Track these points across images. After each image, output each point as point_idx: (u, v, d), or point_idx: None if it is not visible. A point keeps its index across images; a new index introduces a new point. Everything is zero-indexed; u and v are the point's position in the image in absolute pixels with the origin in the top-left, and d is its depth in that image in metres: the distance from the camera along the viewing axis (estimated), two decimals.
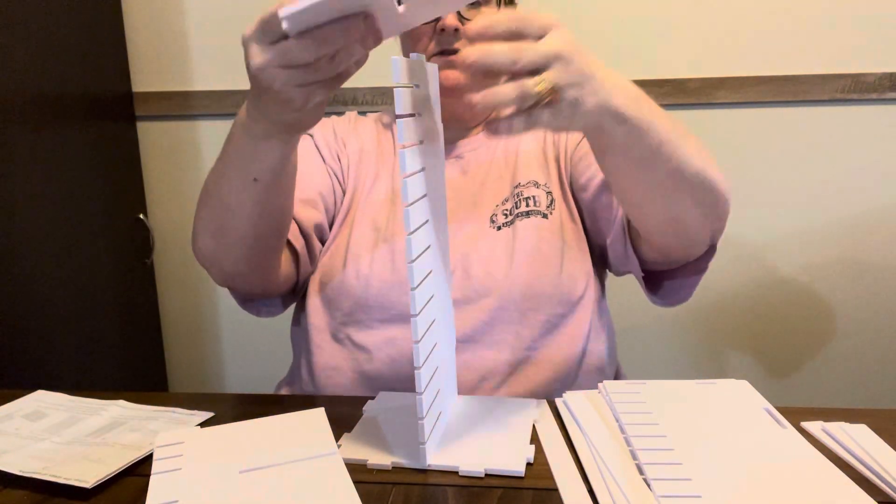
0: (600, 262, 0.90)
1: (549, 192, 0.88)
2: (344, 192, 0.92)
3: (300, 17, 0.51)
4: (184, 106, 1.61)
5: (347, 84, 1.67)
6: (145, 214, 1.63)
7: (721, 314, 1.58)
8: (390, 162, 0.93)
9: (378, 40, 0.55)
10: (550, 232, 0.85)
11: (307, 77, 0.56)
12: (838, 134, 1.49)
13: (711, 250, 0.78)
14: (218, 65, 1.59)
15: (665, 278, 0.83)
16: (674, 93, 1.47)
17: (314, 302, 0.87)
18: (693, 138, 0.65)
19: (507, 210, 0.87)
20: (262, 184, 0.68)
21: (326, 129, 0.95)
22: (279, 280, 0.84)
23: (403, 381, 0.80)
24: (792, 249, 1.55)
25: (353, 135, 0.95)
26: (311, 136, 0.94)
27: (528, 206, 0.87)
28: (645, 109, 0.58)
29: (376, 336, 0.82)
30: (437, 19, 0.83)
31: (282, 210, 0.75)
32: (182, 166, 1.66)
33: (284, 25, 0.52)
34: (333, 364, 0.85)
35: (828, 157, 1.50)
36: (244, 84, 1.74)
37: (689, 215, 0.68)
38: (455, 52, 0.84)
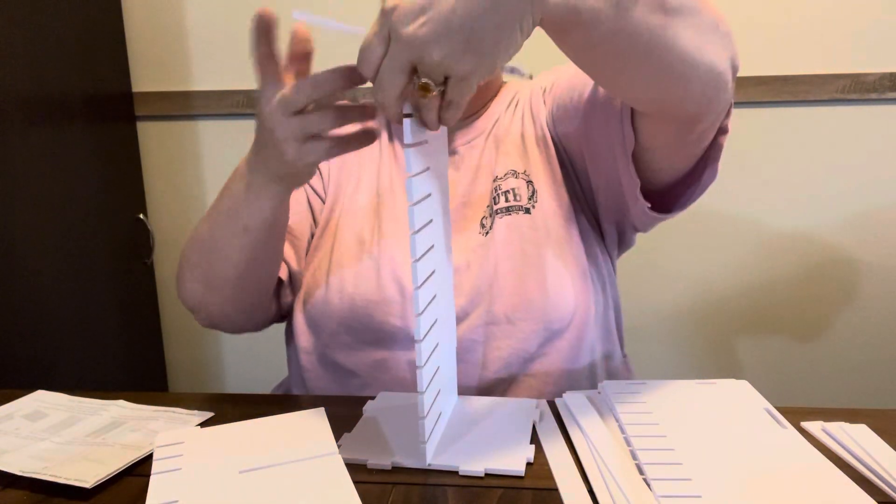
0: (612, 239, 0.86)
1: (529, 182, 0.82)
2: (323, 202, 0.89)
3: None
4: (184, 106, 1.61)
5: None
6: (145, 214, 1.63)
7: (721, 314, 1.58)
8: (375, 163, 0.89)
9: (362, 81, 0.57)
10: (533, 229, 0.80)
11: (306, 127, 0.59)
12: (838, 134, 1.49)
13: (728, 110, 0.68)
14: (218, 65, 1.59)
15: (678, 195, 0.76)
16: None
17: (299, 321, 0.84)
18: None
19: (490, 210, 0.82)
20: (252, 233, 0.70)
21: None
22: (266, 318, 0.85)
23: None
24: (792, 249, 1.55)
25: None
26: None
27: (507, 200, 0.81)
28: None
29: (364, 359, 0.80)
30: None
31: (271, 258, 0.76)
32: (182, 166, 1.66)
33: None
34: (323, 387, 0.83)
35: (828, 157, 1.50)
36: (244, 84, 1.75)
37: (697, 46, 0.57)
38: None
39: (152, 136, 1.65)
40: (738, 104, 1.49)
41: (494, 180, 0.83)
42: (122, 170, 1.57)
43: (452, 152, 0.87)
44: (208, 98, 1.60)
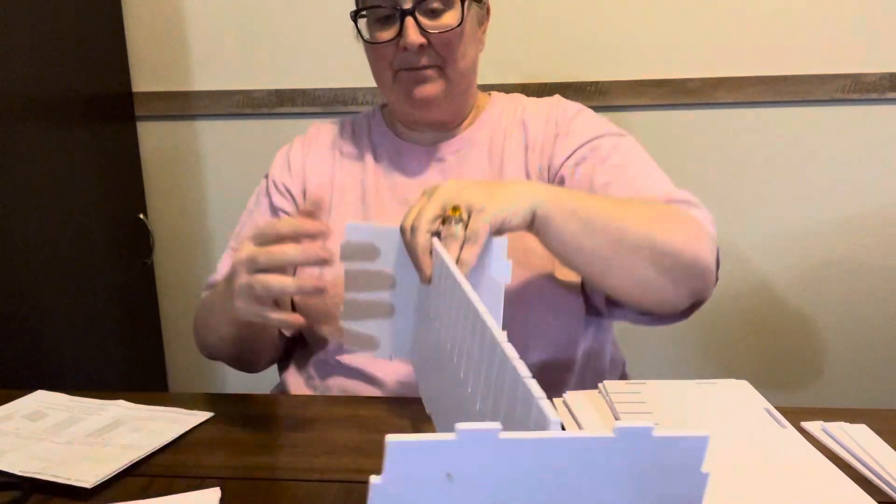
0: None
1: None
2: None
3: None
4: (184, 106, 1.61)
5: (347, 84, 1.65)
6: (145, 214, 1.63)
7: (721, 314, 1.58)
8: (359, 177, 0.91)
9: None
10: (536, 242, 0.81)
11: (257, 290, 0.63)
12: (838, 134, 1.49)
13: (697, 304, 0.78)
14: (218, 65, 1.59)
15: None
16: (674, 93, 1.47)
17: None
18: (646, 212, 0.71)
19: None
20: (227, 340, 0.79)
21: (281, 166, 0.95)
22: (275, 357, 0.93)
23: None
24: (792, 249, 1.55)
25: (308, 160, 0.93)
26: (267, 177, 0.95)
27: None
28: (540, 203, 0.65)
29: (360, 359, 0.82)
30: (399, 37, 0.80)
31: (259, 342, 0.84)
32: (182, 166, 1.66)
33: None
34: (324, 389, 0.85)
35: (828, 157, 1.50)
36: (244, 84, 1.75)
37: (652, 282, 0.70)
38: (420, 67, 0.82)
39: (152, 136, 1.65)
40: (738, 104, 1.49)
41: None
42: (122, 170, 1.57)
43: (440, 160, 0.90)
44: (208, 98, 1.60)
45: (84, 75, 1.43)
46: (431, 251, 0.62)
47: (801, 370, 1.60)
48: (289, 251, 0.62)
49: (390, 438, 0.34)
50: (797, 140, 1.50)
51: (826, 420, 0.64)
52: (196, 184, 1.66)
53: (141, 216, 1.62)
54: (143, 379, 1.65)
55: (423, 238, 0.61)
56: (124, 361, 1.55)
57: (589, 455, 0.37)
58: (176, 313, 1.73)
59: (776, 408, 0.65)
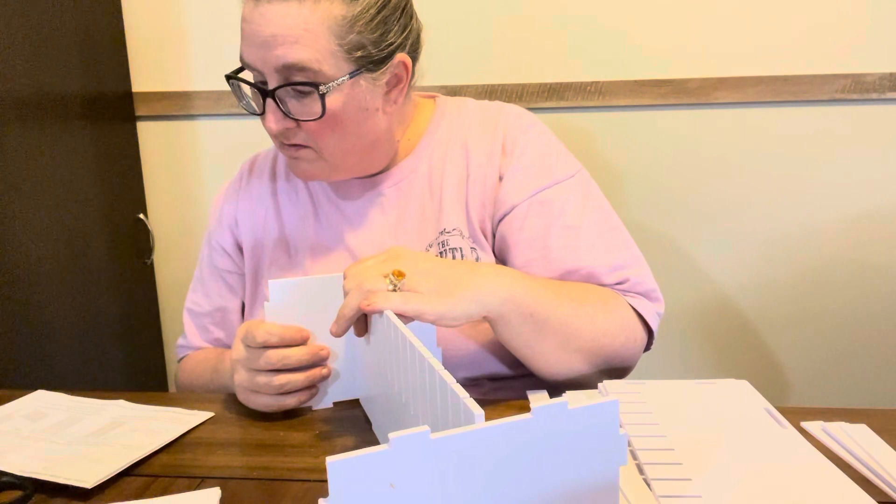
0: None
1: (473, 248, 0.81)
2: (242, 273, 0.92)
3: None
4: (184, 106, 1.61)
5: None
6: (145, 214, 1.63)
7: (721, 314, 1.58)
8: (293, 214, 0.89)
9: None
10: None
11: (258, 388, 0.70)
12: (838, 134, 1.49)
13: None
14: (218, 65, 1.59)
15: None
16: (674, 93, 1.47)
17: None
18: (595, 311, 0.73)
19: None
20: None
21: (216, 220, 0.94)
22: None
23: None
24: (792, 249, 1.55)
25: (240, 209, 0.92)
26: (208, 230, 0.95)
27: (454, 258, 0.80)
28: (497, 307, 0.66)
29: None
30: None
31: None
32: (182, 166, 1.66)
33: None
34: None
35: (828, 157, 1.50)
36: None
37: (583, 376, 0.74)
38: (293, 145, 0.78)
39: (152, 136, 1.65)
40: (738, 104, 1.49)
41: (442, 232, 0.82)
42: (122, 170, 1.57)
43: (379, 194, 0.86)
44: (208, 98, 1.60)
45: (84, 75, 1.43)
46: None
47: (801, 370, 1.60)
48: (293, 356, 0.69)
49: (330, 459, 0.36)
50: (797, 140, 1.50)
51: (826, 420, 0.64)
52: (196, 184, 1.66)
53: (141, 216, 1.62)
54: (143, 379, 1.65)
55: (353, 300, 0.63)
56: (124, 361, 1.56)
57: (514, 437, 0.40)
58: (176, 313, 1.73)
59: (776, 408, 0.65)
